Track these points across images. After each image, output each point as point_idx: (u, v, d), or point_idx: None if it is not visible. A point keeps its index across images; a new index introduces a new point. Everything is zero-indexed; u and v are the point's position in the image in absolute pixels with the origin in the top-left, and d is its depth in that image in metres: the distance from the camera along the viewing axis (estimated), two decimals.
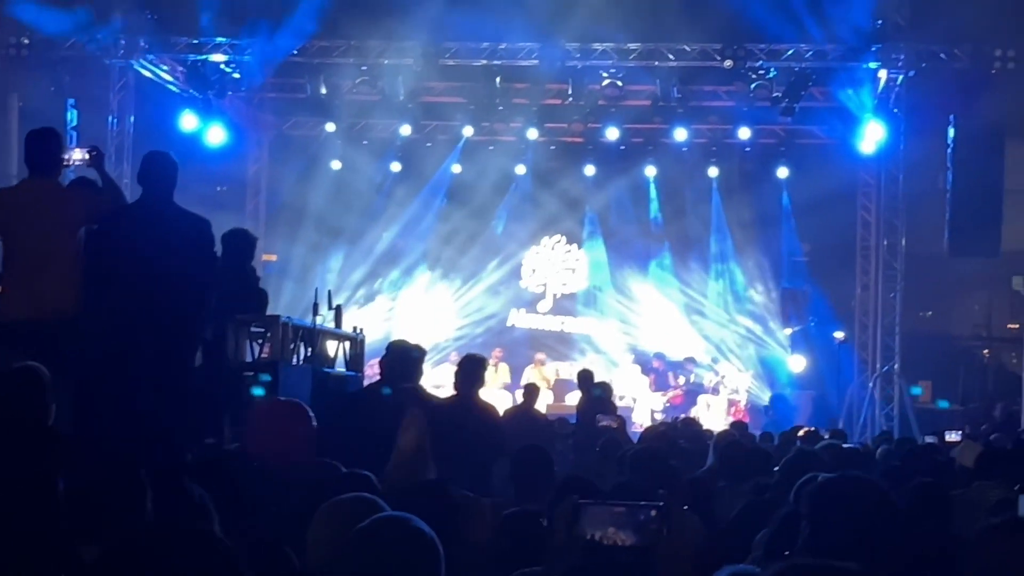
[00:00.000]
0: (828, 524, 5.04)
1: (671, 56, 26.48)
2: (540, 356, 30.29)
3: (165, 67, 27.28)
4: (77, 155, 10.48)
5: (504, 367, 29.34)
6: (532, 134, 29.28)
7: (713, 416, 27.13)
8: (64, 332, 9.55)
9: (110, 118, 27.11)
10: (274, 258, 30.57)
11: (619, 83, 26.74)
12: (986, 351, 40.36)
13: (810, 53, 25.80)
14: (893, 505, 5.16)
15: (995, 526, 4.57)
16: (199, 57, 26.72)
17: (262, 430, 9.11)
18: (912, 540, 5.47)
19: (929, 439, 16.60)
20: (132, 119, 27.30)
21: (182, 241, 9.72)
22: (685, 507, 9.18)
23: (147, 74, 27.15)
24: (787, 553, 5.30)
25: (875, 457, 11.59)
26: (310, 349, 12.88)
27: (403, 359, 10.96)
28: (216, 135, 27.67)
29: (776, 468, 9.52)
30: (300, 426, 9.06)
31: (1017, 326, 36.04)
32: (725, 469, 11.00)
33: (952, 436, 17.00)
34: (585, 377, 19.07)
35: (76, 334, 9.58)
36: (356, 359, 13.97)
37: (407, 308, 32.34)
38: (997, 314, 40.43)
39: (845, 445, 12.41)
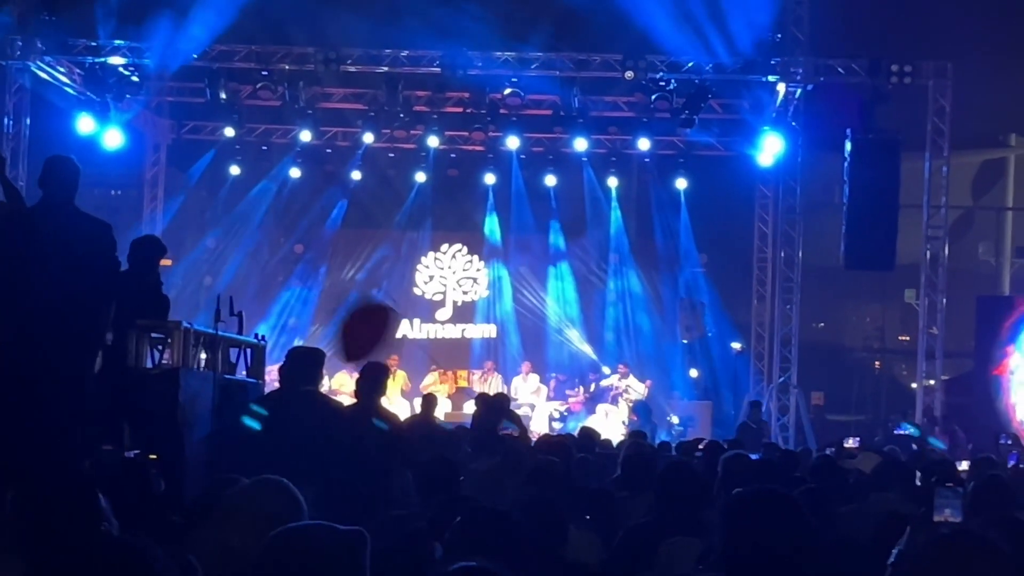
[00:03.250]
0: (742, 536, 5.06)
1: (572, 66, 26.57)
2: (443, 373, 30.20)
3: (62, 69, 26.88)
4: None
5: (401, 374, 29.20)
6: (433, 142, 29.22)
7: (611, 425, 27.18)
8: None
9: (5, 120, 26.75)
10: (169, 263, 30.26)
11: (520, 92, 26.80)
12: (878, 363, 40.90)
13: (710, 66, 25.90)
14: (804, 517, 5.19)
15: (945, 536, 4.58)
16: (97, 59, 26.37)
17: None
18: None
19: (829, 451, 16.74)
20: (28, 121, 26.97)
21: (83, 246, 9.60)
22: (588, 517, 9.20)
23: (44, 76, 26.76)
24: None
25: (777, 468, 11.62)
26: (211, 355, 12.75)
27: (304, 363, 10.89)
28: (113, 139, 27.32)
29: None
30: None
31: (908, 338, 36.51)
32: (628, 480, 11.01)
33: (850, 442, 17.20)
34: (482, 395, 19.06)
35: None
36: (258, 366, 13.85)
37: (303, 316, 32.24)
38: (890, 326, 40.97)
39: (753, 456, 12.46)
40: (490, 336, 32.54)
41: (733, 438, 19.45)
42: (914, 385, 28.79)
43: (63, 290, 9.42)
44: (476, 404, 18.23)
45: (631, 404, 28.06)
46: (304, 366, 10.84)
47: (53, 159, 9.85)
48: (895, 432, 25.25)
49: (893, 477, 11.21)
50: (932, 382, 27.07)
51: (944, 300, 26.77)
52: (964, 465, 14.44)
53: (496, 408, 17.41)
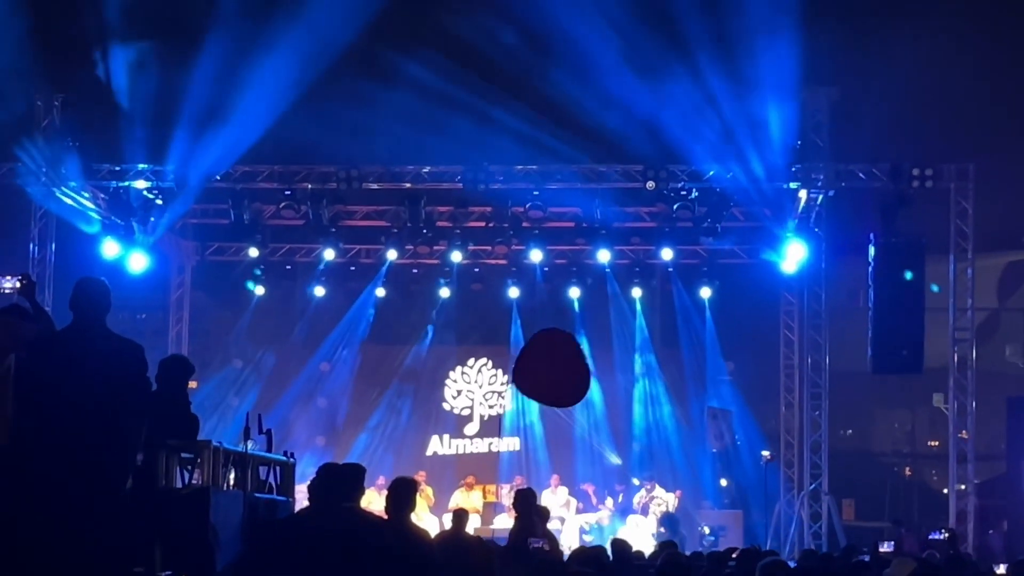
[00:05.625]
0: None
1: (593, 178, 26.67)
2: (470, 479, 30.07)
3: (87, 194, 27.02)
4: (7, 284, 10.38)
5: (428, 491, 29.08)
6: (456, 257, 29.30)
7: (641, 536, 26.96)
8: None
9: (31, 246, 26.90)
10: (195, 385, 30.22)
11: (542, 205, 26.92)
12: (909, 469, 40.62)
13: (731, 174, 25.98)
14: None
15: None
16: (121, 184, 26.58)
17: None
18: None
19: (863, 558, 16.59)
20: (53, 247, 27.12)
21: (114, 367, 9.56)
22: None
23: (68, 201, 26.90)
24: None
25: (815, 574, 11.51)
26: (241, 474, 12.69)
27: (341, 479, 10.82)
28: (138, 262, 27.41)
29: None
30: None
31: (938, 443, 36.28)
32: None
33: (885, 547, 17.08)
34: (522, 500, 18.86)
35: (6, 463, 9.40)
36: (287, 483, 13.80)
37: (330, 433, 32.20)
38: (919, 431, 40.74)
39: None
40: (517, 450, 32.40)
41: (763, 548, 19.22)
42: (946, 490, 28.53)
43: (95, 413, 9.39)
44: (515, 508, 18.04)
45: (659, 515, 27.88)
46: (343, 482, 10.78)
47: (83, 281, 9.86)
48: (929, 536, 25.02)
49: None
50: (964, 486, 26.84)
51: (974, 403, 26.59)
52: (1001, 569, 14.31)
53: (527, 522, 17.28)
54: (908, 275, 25.26)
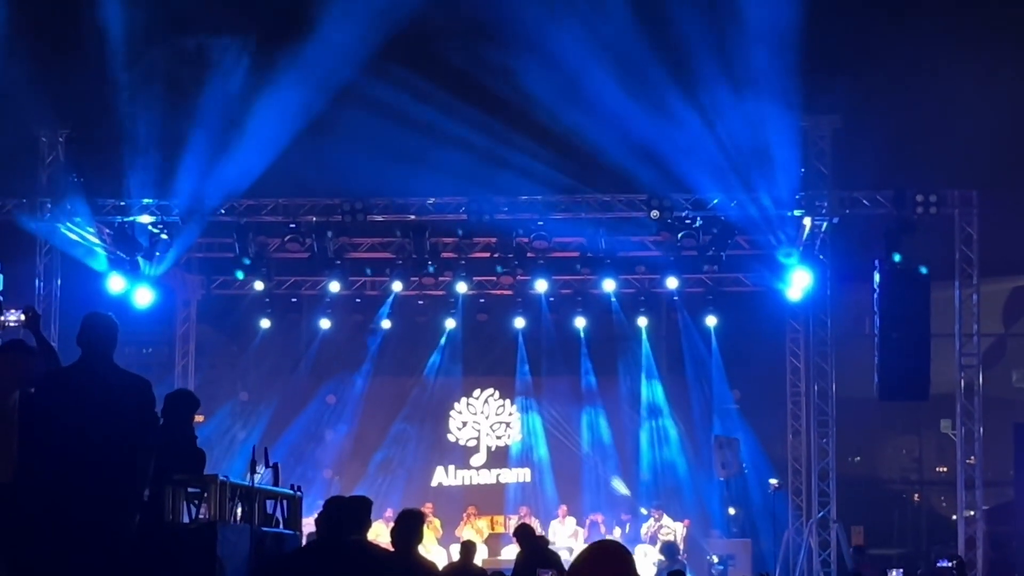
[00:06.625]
0: None
1: (597, 207, 26.67)
2: (471, 510, 30.05)
3: (91, 229, 26.99)
4: (12, 317, 10.37)
5: (436, 522, 29.05)
6: (461, 288, 29.31)
7: (649, 565, 26.93)
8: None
9: (36, 281, 26.88)
10: (201, 419, 30.20)
11: (546, 235, 26.91)
12: (917, 495, 40.49)
13: (735, 202, 25.96)
14: None
15: None
16: (126, 219, 26.56)
17: None
18: None
19: None
20: (59, 282, 27.10)
21: (121, 403, 9.56)
22: None
23: (73, 237, 26.90)
24: None
25: None
26: (248, 508, 12.67)
27: (349, 511, 10.80)
28: (143, 297, 27.33)
29: None
30: None
31: (946, 469, 36.18)
32: None
33: (894, 574, 17.05)
34: (523, 531, 18.89)
35: (12, 499, 9.39)
36: (294, 517, 13.76)
37: (338, 465, 32.17)
38: (927, 457, 40.61)
39: None
40: (525, 480, 32.39)
41: None
42: (955, 516, 28.44)
43: (101, 448, 9.39)
44: (518, 542, 18.06)
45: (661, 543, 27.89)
46: (350, 514, 10.75)
47: (91, 316, 9.85)
48: (937, 564, 24.95)
49: None
50: (972, 512, 26.75)
51: (981, 429, 26.52)
52: None
53: (535, 552, 17.27)
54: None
